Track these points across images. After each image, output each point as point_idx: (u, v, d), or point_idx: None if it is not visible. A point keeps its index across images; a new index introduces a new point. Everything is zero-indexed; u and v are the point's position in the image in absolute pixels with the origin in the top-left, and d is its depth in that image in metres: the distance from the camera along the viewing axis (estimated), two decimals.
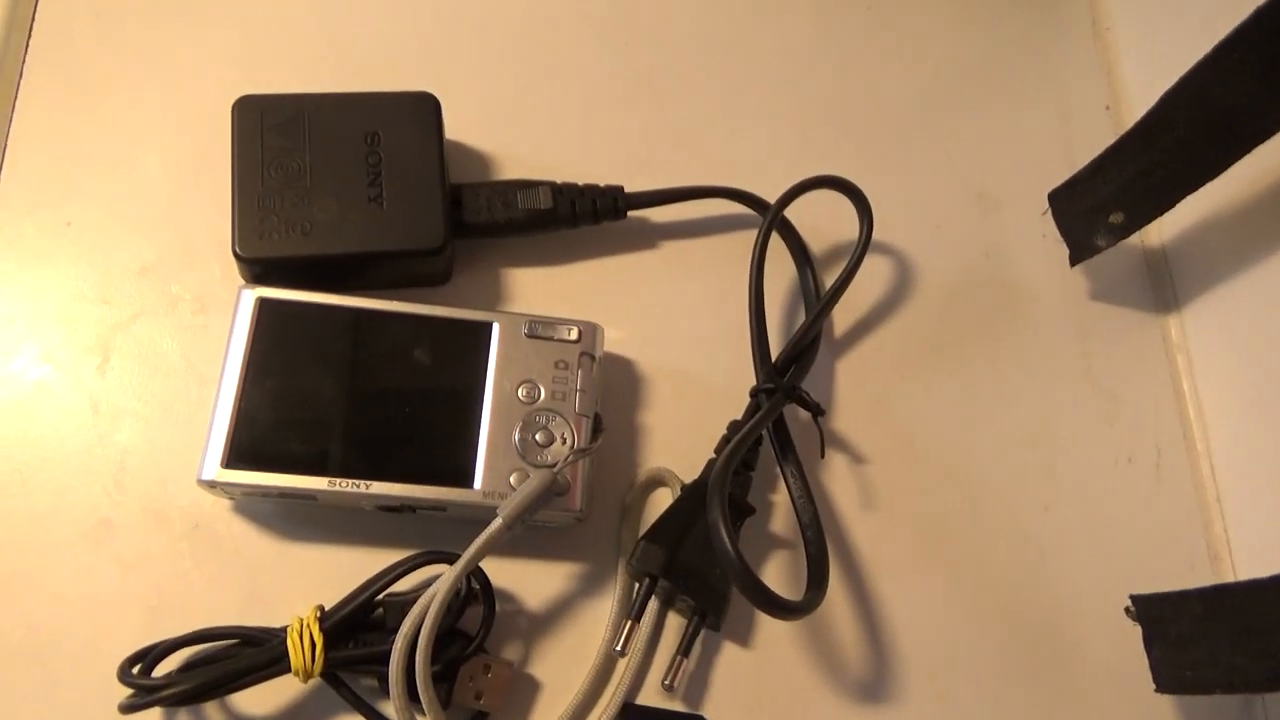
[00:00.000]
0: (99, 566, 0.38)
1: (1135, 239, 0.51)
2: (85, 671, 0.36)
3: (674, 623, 0.41)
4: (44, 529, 0.38)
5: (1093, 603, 0.43)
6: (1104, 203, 0.45)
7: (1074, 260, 0.48)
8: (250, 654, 0.35)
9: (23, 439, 0.39)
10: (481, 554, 0.36)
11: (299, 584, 0.38)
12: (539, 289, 0.45)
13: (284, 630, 0.36)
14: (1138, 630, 0.40)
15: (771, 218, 0.44)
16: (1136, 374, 0.48)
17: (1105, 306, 0.49)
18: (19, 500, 0.38)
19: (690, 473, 0.41)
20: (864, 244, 0.45)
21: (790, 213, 0.45)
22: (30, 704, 0.36)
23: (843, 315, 0.47)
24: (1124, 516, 0.45)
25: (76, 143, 0.44)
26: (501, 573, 0.39)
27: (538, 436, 0.39)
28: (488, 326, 0.40)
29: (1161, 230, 0.51)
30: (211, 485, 0.37)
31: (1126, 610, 0.41)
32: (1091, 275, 0.49)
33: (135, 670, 0.34)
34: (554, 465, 0.38)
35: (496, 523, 0.36)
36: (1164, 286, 0.50)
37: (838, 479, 0.44)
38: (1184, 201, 0.44)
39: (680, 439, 0.43)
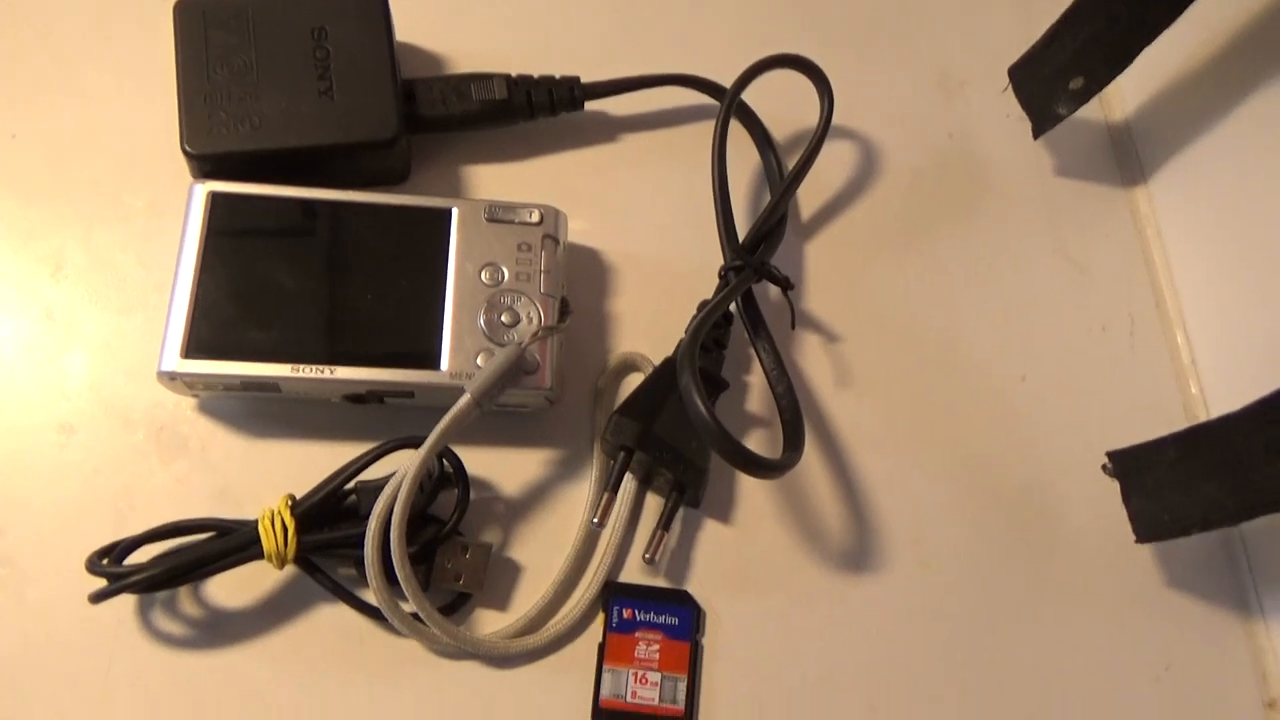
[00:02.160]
0: (65, 471, 0.37)
1: (1098, 114, 0.51)
2: (54, 571, 0.36)
3: (653, 504, 0.40)
4: (7, 437, 0.38)
5: (1071, 466, 0.43)
6: (1062, 69, 0.45)
7: (1037, 132, 0.47)
8: (221, 541, 0.35)
9: None
10: (450, 431, 0.36)
11: (269, 480, 0.38)
12: (499, 183, 0.44)
13: (256, 520, 0.35)
14: (1116, 487, 0.40)
15: (730, 99, 0.44)
16: (1106, 246, 0.48)
17: (1072, 182, 0.49)
18: None
19: (661, 357, 0.41)
20: (826, 120, 0.44)
21: (750, 99, 0.45)
22: (2, 603, 0.35)
23: (809, 199, 0.46)
24: (1100, 382, 0.45)
25: (17, 55, 0.43)
26: (477, 461, 0.38)
27: (503, 317, 0.38)
28: (446, 212, 0.39)
29: (1124, 104, 0.51)
30: (171, 377, 0.36)
31: (1104, 467, 0.41)
32: (1057, 152, 0.49)
33: (104, 560, 0.34)
34: (521, 342, 0.37)
35: (465, 399, 0.36)
36: (1130, 160, 0.50)
37: (811, 358, 0.43)
38: (1143, 71, 0.44)
39: (651, 324, 0.43)
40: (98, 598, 0.33)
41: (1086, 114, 0.47)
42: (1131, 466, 0.40)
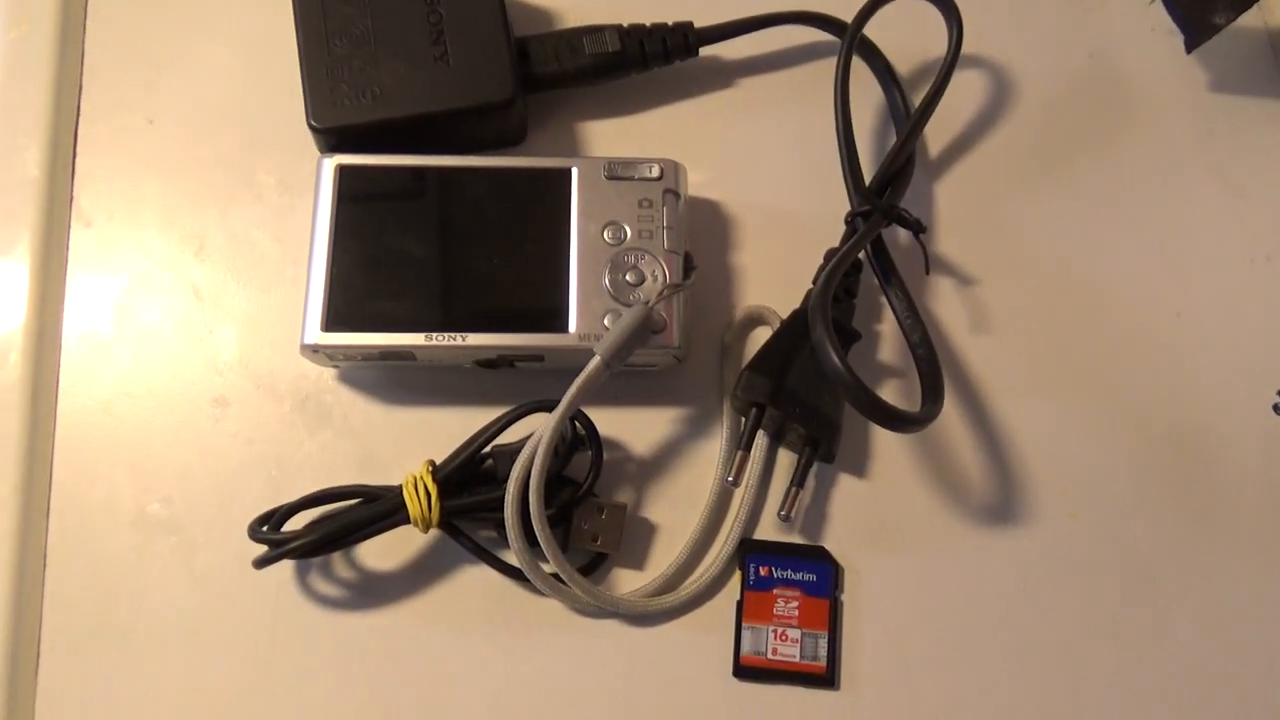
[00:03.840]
0: (220, 441, 0.39)
1: (1258, 20, 0.46)
2: (218, 536, 0.38)
3: (785, 460, 0.40)
4: (166, 410, 0.40)
5: (1234, 407, 0.40)
6: None
7: (1190, 45, 0.44)
8: (370, 508, 0.36)
9: (136, 328, 0.41)
10: (582, 394, 0.36)
11: (408, 445, 0.39)
12: (616, 138, 0.43)
13: (400, 486, 0.36)
14: None
15: (852, 35, 0.42)
16: (1268, 167, 0.44)
17: (1229, 98, 0.45)
18: (140, 385, 0.40)
19: (789, 309, 0.40)
20: (954, 53, 0.42)
21: (871, 31, 0.43)
22: (173, 569, 0.38)
23: (937, 135, 0.44)
24: (1264, 316, 0.42)
25: (149, 42, 0.44)
26: (607, 421, 0.38)
27: (628, 276, 0.38)
28: (566, 172, 0.39)
29: None
30: (314, 350, 0.37)
31: (1275, 407, 0.38)
32: (1210, 65, 0.45)
33: (264, 528, 0.36)
34: (648, 301, 0.37)
35: (595, 361, 0.36)
36: None
37: (945, 303, 0.42)
38: None
39: (776, 276, 0.41)
40: (261, 563, 0.35)
41: (1244, 20, 0.43)
42: None
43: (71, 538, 0.38)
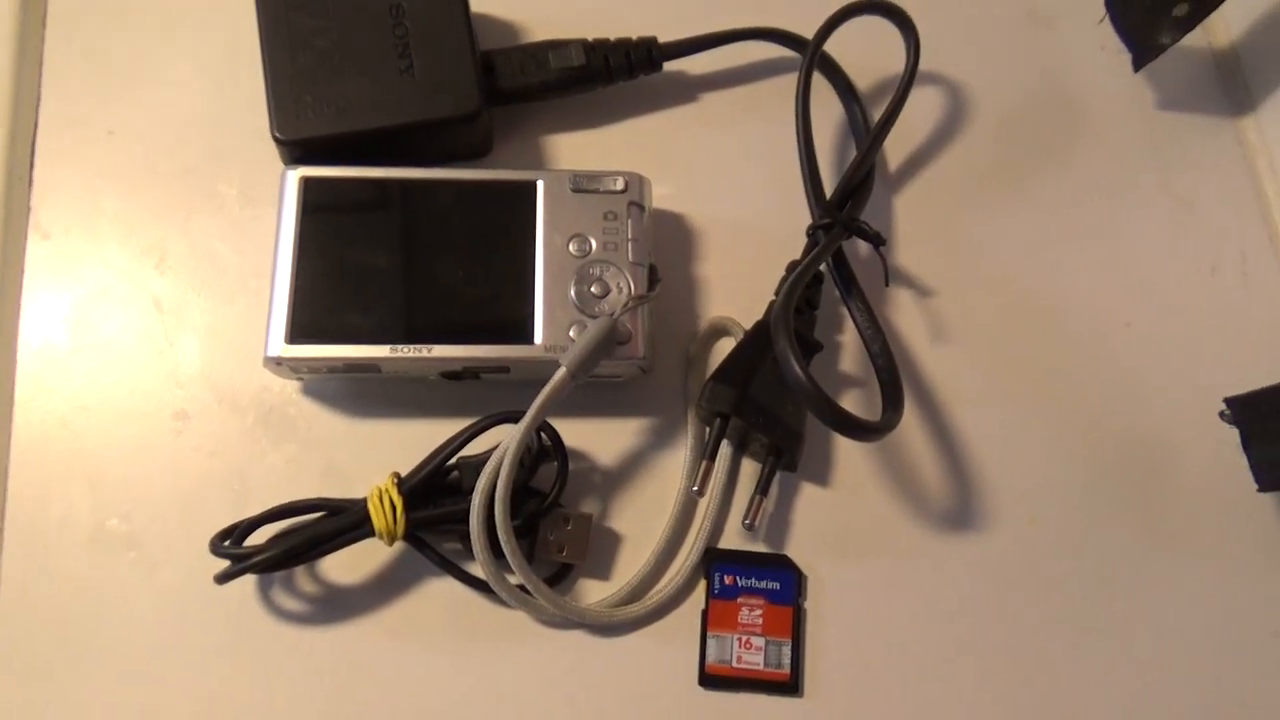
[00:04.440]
0: (182, 455, 0.39)
1: (1203, 40, 0.48)
2: (179, 552, 0.37)
3: (750, 469, 0.40)
4: (125, 424, 0.39)
5: (1184, 415, 0.41)
6: None
7: (1138, 64, 0.45)
8: (334, 521, 0.36)
9: (94, 342, 0.40)
10: (548, 405, 0.36)
11: (373, 458, 0.39)
12: (581, 151, 0.44)
13: (364, 499, 0.36)
14: (1235, 434, 0.39)
15: (812, 51, 0.42)
16: (1214, 181, 0.45)
17: (1176, 115, 0.47)
18: (99, 400, 0.39)
19: (752, 320, 0.40)
20: (912, 69, 0.43)
21: (832, 48, 0.44)
22: (133, 586, 0.37)
23: (896, 149, 0.45)
24: (1212, 326, 0.43)
25: (109, 52, 0.44)
26: (573, 432, 0.39)
27: (593, 288, 0.38)
28: (531, 185, 0.39)
29: (1230, 28, 0.48)
30: (278, 362, 0.37)
31: (1221, 414, 0.39)
32: (1158, 84, 0.47)
33: (226, 543, 0.35)
34: (613, 313, 0.37)
35: (561, 372, 0.36)
36: (1237, 88, 0.47)
37: (905, 314, 0.42)
38: None
39: (740, 288, 0.42)
40: (223, 578, 0.35)
41: (1188, 41, 0.44)
42: (1252, 413, 0.38)
43: (27, 555, 0.37)
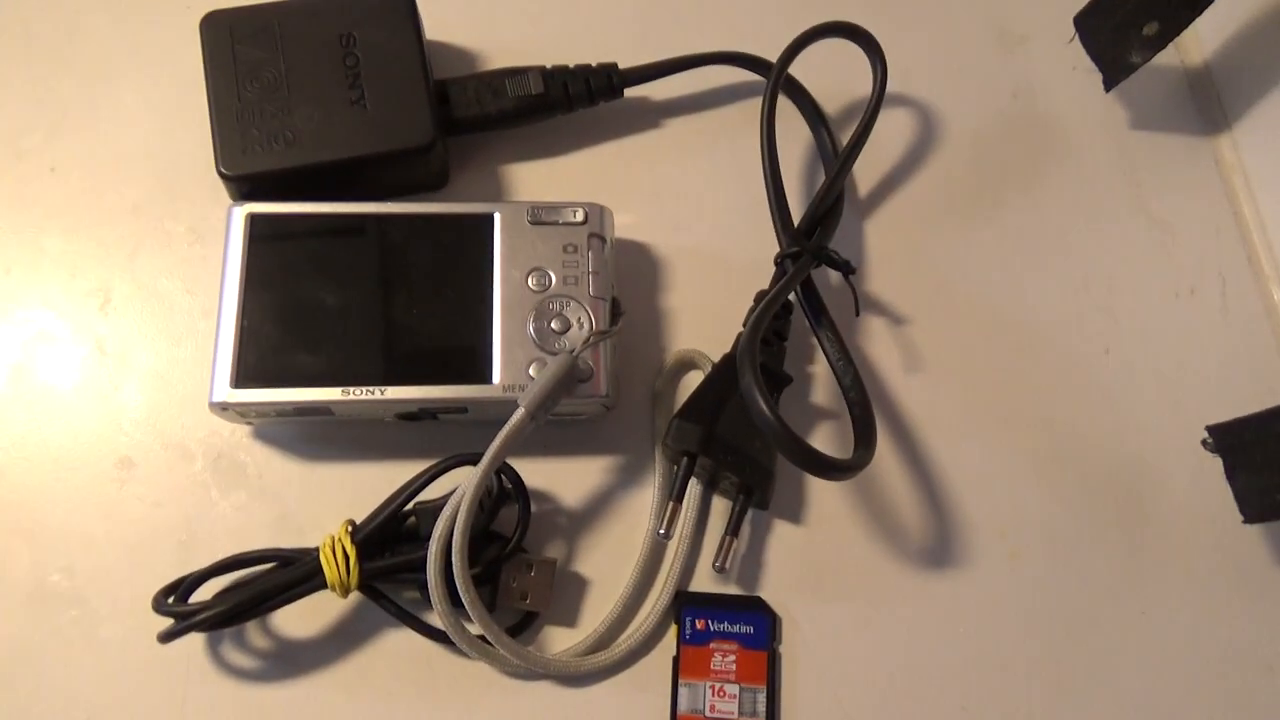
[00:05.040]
0: (126, 505, 0.37)
1: (1175, 59, 0.47)
2: (124, 608, 0.36)
3: (720, 507, 0.39)
4: (67, 473, 0.37)
5: (1166, 443, 0.40)
6: (1134, 15, 0.42)
7: (1109, 84, 0.44)
8: (284, 573, 0.34)
9: (34, 387, 0.38)
10: (507, 447, 0.34)
11: (327, 504, 0.37)
12: (541, 181, 0.43)
13: (317, 549, 0.34)
14: (1218, 463, 0.38)
15: (776, 75, 0.41)
16: (1191, 201, 0.45)
17: (1150, 135, 0.46)
18: (38, 449, 0.38)
19: (721, 352, 0.39)
20: (880, 89, 0.42)
21: (798, 71, 0.43)
22: (73, 644, 0.35)
23: (865, 174, 0.44)
24: (1192, 350, 0.42)
25: (50, 87, 0.42)
26: (536, 473, 0.37)
27: (553, 324, 0.37)
28: (488, 218, 0.38)
29: (1202, 45, 0.47)
30: (224, 408, 0.35)
31: (1204, 443, 0.38)
32: (1131, 104, 0.46)
33: (170, 600, 0.34)
34: (573, 349, 0.36)
35: (519, 413, 0.35)
36: (1211, 106, 0.46)
37: (877, 343, 0.41)
38: (1220, 6, 0.40)
39: (706, 319, 0.41)
40: (166, 637, 0.33)
41: (1160, 59, 0.43)
42: (1236, 441, 0.37)
43: None
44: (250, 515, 0.37)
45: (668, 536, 0.36)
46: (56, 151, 0.42)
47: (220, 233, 0.37)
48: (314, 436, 0.38)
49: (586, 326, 0.37)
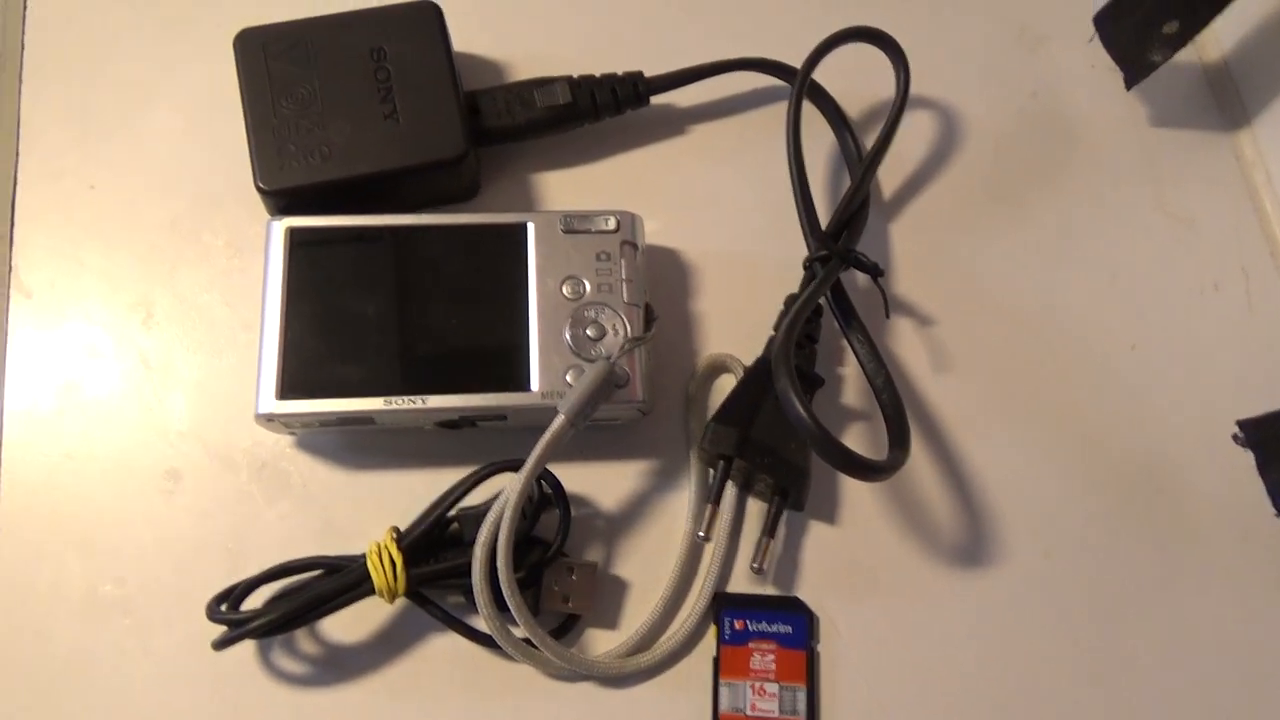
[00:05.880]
0: (174, 516, 0.38)
1: (1194, 56, 0.48)
2: (176, 617, 0.36)
3: (755, 509, 0.39)
4: (116, 486, 0.38)
5: (1195, 438, 0.41)
6: (1154, 14, 0.42)
7: (1130, 83, 0.45)
8: (333, 580, 0.35)
9: (82, 402, 0.39)
10: (548, 453, 0.35)
11: (371, 512, 0.38)
12: (571, 189, 0.43)
13: (363, 556, 0.35)
14: (1247, 457, 0.38)
15: (801, 80, 0.42)
16: (1212, 197, 0.45)
17: (1170, 131, 0.46)
18: (88, 463, 0.38)
19: (751, 356, 0.40)
20: (903, 96, 0.42)
21: (821, 76, 0.43)
22: (129, 654, 0.36)
23: (890, 176, 0.45)
24: (1217, 345, 0.42)
25: (88, 105, 0.43)
26: (574, 478, 0.38)
27: (589, 331, 0.37)
28: (522, 228, 0.39)
29: (1220, 42, 0.47)
30: (269, 419, 0.36)
31: (1235, 437, 0.39)
32: (1151, 101, 0.46)
33: (223, 607, 0.34)
34: (610, 356, 0.37)
35: (559, 420, 0.35)
36: (1231, 102, 0.47)
37: (906, 343, 0.42)
38: (1238, 4, 0.40)
39: (737, 323, 0.41)
40: (221, 645, 0.34)
41: (1179, 56, 0.44)
42: (1267, 434, 0.37)
43: (16, 623, 0.36)
44: (296, 524, 0.38)
45: (706, 539, 0.37)
46: (95, 169, 0.42)
47: (257, 246, 0.38)
48: (355, 445, 0.39)
49: (621, 333, 0.38)
